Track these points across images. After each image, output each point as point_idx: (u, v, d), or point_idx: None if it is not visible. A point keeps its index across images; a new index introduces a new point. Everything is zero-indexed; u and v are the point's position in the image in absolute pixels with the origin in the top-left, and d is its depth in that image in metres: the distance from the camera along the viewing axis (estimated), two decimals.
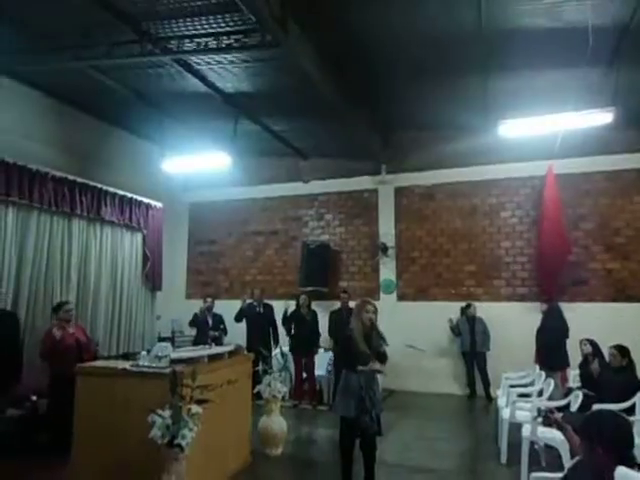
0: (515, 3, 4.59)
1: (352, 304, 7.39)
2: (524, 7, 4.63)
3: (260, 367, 5.18)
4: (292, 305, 7.62)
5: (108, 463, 3.63)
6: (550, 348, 6.54)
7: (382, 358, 3.83)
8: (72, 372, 4.01)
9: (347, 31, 5.19)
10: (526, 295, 7.92)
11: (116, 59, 5.48)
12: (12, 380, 4.94)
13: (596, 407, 3.61)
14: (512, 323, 7.59)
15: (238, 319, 7.60)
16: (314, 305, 7.76)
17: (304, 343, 7.28)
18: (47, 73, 6.17)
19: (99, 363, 4.59)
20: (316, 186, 9.34)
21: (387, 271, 8.71)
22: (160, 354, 3.82)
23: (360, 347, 3.79)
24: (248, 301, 7.74)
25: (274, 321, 7.65)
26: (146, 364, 3.80)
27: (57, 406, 4.59)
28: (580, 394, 4.50)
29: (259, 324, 7.51)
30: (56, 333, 4.94)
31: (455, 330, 7.90)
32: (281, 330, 7.60)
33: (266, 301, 7.89)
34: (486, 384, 7.60)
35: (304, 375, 7.31)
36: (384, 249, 8.62)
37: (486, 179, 8.30)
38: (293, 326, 7.45)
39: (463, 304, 8.01)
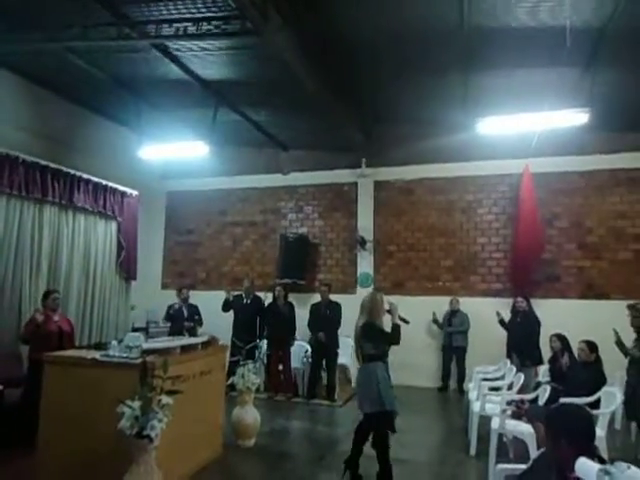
0: (496, 2, 4.61)
1: (332, 297, 7.48)
2: (505, 6, 4.66)
3: (237, 358, 5.15)
4: (270, 297, 7.59)
5: (76, 453, 3.57)
6: (523, 344, 6.65)
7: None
8: None
9: (330, 24, 5.16)
10: (501, 291, 8.05)
11: (91, 41, 5.34)
12: None
13: (562, 401, 3.69)
14: (487, 318, 7.67)
15: (225, 309, 7.58)
16: (291, 297, 7.72)
17: (280, 335, 7.26)
18: (21, 54, 5.96)
19: (68, 352, 4.49)
20: (296, 178, 9.29)
21: (365, 264, 8.74)
22: (131, 344, 3.76)
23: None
24: (234, 293, 7.69)
25: (261, 312, 7.59)
26: (116, 354, 3.75)
27: (32, 391, 4.52)
28: (548, 388, 4.61)
29: (245, 315, 7.48)
30: (38, 317, 4.98)
31: (438, 323, 8.01)
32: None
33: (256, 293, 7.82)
34: (461, 378, 7.72)
35: (280, 367, 7.30)
36: (362, 242, 8.64)
37: (464, 175, 8.38)
38: (269, 318, 7.42)
39: (439, 298, 8.11)
